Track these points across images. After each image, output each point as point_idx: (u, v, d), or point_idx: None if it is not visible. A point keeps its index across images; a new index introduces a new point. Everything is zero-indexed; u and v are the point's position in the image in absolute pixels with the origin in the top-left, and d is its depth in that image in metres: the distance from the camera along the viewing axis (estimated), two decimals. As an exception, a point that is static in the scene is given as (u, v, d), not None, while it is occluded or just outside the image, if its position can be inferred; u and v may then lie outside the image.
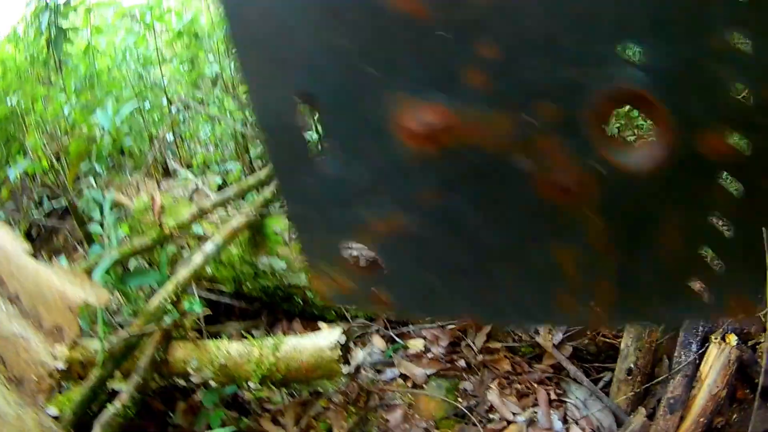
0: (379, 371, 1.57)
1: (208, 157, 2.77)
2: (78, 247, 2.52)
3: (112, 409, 1.34)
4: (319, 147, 1.03)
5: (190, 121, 3.02)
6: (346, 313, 1.63)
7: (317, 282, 1.21)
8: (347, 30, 0.89)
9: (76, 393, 1.41)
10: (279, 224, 1.76)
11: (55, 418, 1.31)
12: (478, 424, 1.36)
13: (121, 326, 1.53)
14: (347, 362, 1.29)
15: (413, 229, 1.04)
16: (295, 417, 1.37)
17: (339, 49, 0.90)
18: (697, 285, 1.22)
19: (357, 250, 1.14)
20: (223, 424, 1.28)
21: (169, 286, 1.48)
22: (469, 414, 1.37)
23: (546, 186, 0.95)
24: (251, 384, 1.29)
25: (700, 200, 1.03)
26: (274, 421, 1.37)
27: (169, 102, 2.89)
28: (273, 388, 1.42)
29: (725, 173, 0.98)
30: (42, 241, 2.92)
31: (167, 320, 1.40)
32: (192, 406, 1.33)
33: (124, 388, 1.37)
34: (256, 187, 2.04)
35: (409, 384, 1.51)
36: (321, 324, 1.66)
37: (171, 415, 1.36)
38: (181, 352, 1.35)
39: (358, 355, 1.46)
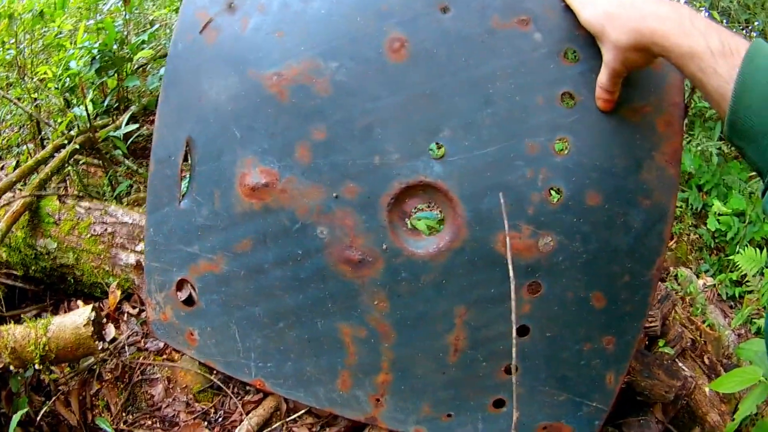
0: (145, 344, 1.61)
1: (12, 138, 2.69)
2: None
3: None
4: (185, 188, 1.25)
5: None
6: (107, 288, 1.68)
7: (149, 308, 1.41)
8: (234, 97, 1.16)
9: None
10: (51, 206, 1.77)
11: None
12: (234, 396, 1.43)
13: None
14: (102, 338, 1.36)
15: (228, 274, 1.27)
16: (79, 397, 1.44)
17: (222, 109, 1.18)
18: (494, 399, 1.18)
19: (186, 291, 1.34)
20: (34, 409, 1.38)
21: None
22: (224, 387, 1.43)
23: (338, 257, 1.17)
24: (36, 366, 1.33)
25: (490, 297, 1.17)
26: (66, 403, 1.44)
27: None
28: (55, 368, 1.48)
29: (523, 272, 1.08)
30: None
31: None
32: (9, 392, 1.37)
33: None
34: (35, 168, 1.96)
35: (164, 357, 1.56)
36: (79, 303, 1.70)
37: (-2, 403, 1.39)
38: (-18, 339, 1.32)
39: (110, 330, 1.54)
